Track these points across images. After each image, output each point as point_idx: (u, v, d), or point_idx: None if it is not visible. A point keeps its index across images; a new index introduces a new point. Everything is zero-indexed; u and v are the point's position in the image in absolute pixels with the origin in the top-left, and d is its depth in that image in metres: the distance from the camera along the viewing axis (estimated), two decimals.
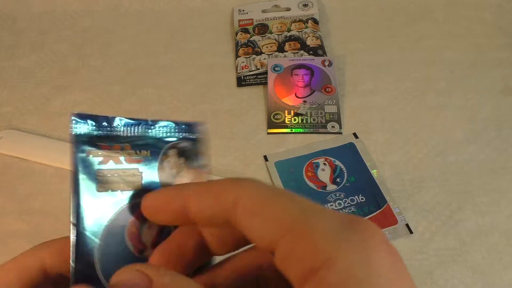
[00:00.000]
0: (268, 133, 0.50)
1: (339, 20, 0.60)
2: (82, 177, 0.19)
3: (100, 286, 0.19)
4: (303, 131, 0.49)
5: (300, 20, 0.59)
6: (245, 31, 0.59)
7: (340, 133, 0.49)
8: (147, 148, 0.20)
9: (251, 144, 0.49)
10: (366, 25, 0.59)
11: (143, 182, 0.20)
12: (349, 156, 0.46)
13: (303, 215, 0.15)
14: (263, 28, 0.59)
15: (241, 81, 0.54)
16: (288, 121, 0.50)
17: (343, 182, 0.43)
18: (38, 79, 0.56)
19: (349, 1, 0.62)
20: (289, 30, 0.58)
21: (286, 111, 0.51)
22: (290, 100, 0.52)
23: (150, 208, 0.19)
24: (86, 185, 0.20)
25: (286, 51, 0.56)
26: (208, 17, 0.62)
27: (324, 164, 0.40)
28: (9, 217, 0.44)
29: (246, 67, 0.55)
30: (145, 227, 0.20)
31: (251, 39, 0.58)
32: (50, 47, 0.59)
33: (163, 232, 0.20)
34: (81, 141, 0.19)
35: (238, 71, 0.55)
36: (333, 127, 0.50)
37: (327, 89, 0.52)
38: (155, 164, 0.20)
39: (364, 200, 0.43)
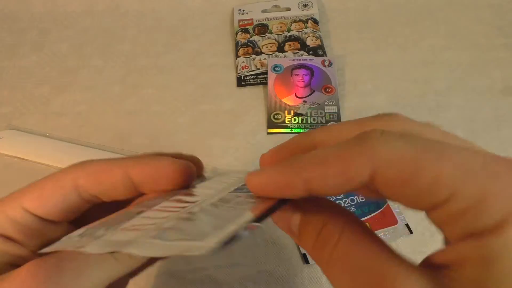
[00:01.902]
0: (268, 133, 0.50)
1: (339, 20, 0.60)
2: None
3: None
4: (303, 131, 0.49)
5: (300, 20, 0.59)
6: (245, 31, 0.59)
7: None
8: None
9: (251, 144, 0.49)
10: (366, 25, 0.59)
11: None
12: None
13: (468, 172, 0.14)
14: (263, 28, 0.59)
15: (241, 81, 0.54)
16: (288, 121, 0.50)
17: None
18: (38, 79, 0.56)
19: (349, 1, 0.62)
20: (289, 30, 0.59)
21: (286, 111, 0.51)
22: (290, 100, 0.52)
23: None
24: None
25: (286, 51, 0.56)
26: (208, 17, 0.62)
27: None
28: None
29: (246, 67, 0.55)
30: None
31: (251, 39, 0.58)
32: (50, 47, 0.59)
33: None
34: None
35: (238, 71, 0.55)
36: None
37: (327, 89, 0.52)
38: None
39: (363, 199, 0.43)
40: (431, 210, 0.15)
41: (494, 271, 0.13)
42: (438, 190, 0.14)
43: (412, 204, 0.15)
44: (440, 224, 0.15)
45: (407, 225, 0.42)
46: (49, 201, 0.21)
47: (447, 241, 0.16)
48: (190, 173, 0.22)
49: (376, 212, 0.42)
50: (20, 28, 0.62)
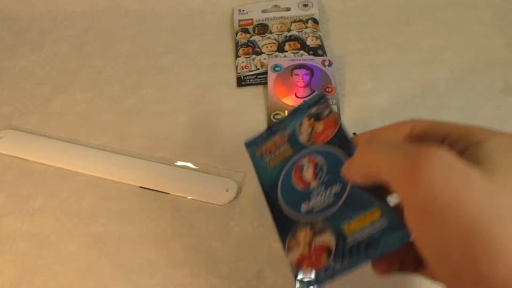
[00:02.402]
0: None
1: (339, 20, 0.60)
2: (257, 166, 0.35)
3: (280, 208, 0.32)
4: None
5: (300, 20, 0.59)
6: (245, 31, 0.59)
7: None
8: (288, 128, 0.35)
9: None
10: (366, 25, 0.59)
11: (291, 149, 0.33)
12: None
13: (458, 125, 0.24)
14: (263, 28, 0.59)
15: (241, 81, 0.54)
16: None
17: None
18: (38, 79, 0.56)
19: (349, 1, 0.62)
20: (289, 30, 0.59)
21: (286, 111, 0.51)
22: (290, 100, 0.52)
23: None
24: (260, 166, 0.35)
25: (286, 51, 0.56)
26: (208, 17, 0.62)
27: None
28: (9, 217, 0.44)
29: (246, 67, 0.55)
30: (304, 171, 0.33)
31: (251, 39, 0.58)
32: (50, 47, 0.59)
33: (318, 168, 0.32)
34: (249, 144, 0.37)
35: (238, 71, 0.55)
36: None
37: (327, 89, 0.52)
38: (295, 134, 0.34)
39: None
40: None
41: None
42: None
43: None
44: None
45: None
46: None
47: None
48: None
49: None
50: (20, 28, 0.62)
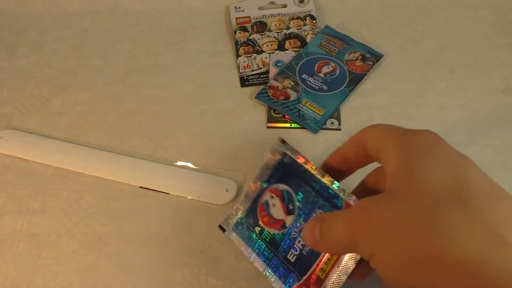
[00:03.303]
0: (268, 127, 0.50)
1: (339, 20, 0.60)
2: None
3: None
4: (301, 127, 0.50)
5: (298, 17, 0.59)
6: (244, 29, 0.59)
7: (339, 129, 0.49)
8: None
9: (252, 144, 0.49)
10: (366, 25, 0.59)
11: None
12: (283, 168, 0.35)
13: (395, 129, 0.28)
14: (261, 26, 0.59)
15: (245, 81, 0.54)
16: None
17: (295, 206, 0.32)
18: (38, 79, 0.56)
19: (349, 1, 0.62)
20: (288, 28, 0.58)
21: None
22: None
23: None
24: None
25: (287, 49, 0.56)
26: (208, 16, 0.62)
27: (271, 197, 0.34)
28: (9, 217, 0.44)
29: (248, 66, 0.55)
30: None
31: (250, 37, 0.58)
32: (50, 47, 0.59)
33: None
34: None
35: (241, 71, 0.55)
36: (332, 123, 0.50)
37: None
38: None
39: (323, 211, 0.32)
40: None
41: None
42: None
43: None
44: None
45: None
46: None
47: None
48: None
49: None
50: (20, 28, 0.62)
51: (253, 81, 0.54)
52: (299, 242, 0.31)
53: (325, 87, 0.51)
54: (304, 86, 0.52)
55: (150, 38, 0.60)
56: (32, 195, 0.46)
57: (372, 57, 0.54)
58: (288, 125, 0.50)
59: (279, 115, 0.50)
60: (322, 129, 0.49)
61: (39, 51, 0.59)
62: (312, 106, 0.50)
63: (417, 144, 0.25)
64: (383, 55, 0.55)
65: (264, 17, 0.60)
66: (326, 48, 0.55)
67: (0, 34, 0.61)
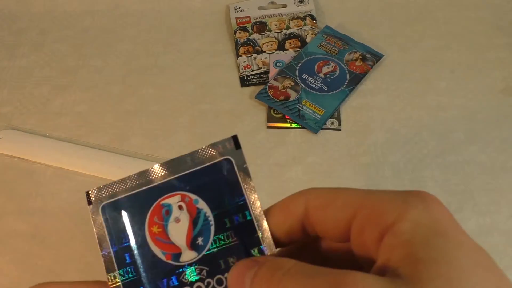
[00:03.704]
0: (268, 127, 0.50)
1: (339, 20, 0.60)
2: None
3: None
4: (300, 126, 0.50)
5: (298, 17, 0.59)
6: (244, 29, 0.59)
7: (339, 129, 0.49)
8: None
9: (252, 143, 0.49)
10: (366, 25, 0.59)
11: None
12: (221, 186, 0.22)
13: (367, 194, 0.19)
14: (261, 26, 0.59)
15: (245, 81, 0.54)
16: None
17: (207, 245, 0.22)
18: (38, 79, 0.56)
19: (349, 1, 0.62)
20: (287, 28, 0.58)
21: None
22: None
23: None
24: None
25: (287, 49, 0.56)
26: (208, 16, 0.62)
27: (180, 208, 0.22)
28: (9, 217, 0.44)
29: (248, 66, 0.55)
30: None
31: (250, 37, 0.58)
32: (50, 47, 0.59)
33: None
34: None
35: (241, 71, 0.55)
36: (332, 123, 0.50)
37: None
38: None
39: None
40: (349, 230, 0.19)
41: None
42: (348, 211, 0.20)
43: (332, 228, 0.20)
44: (360, 242, 0.19)
45: None
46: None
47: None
48: None
49: None
50: (20, 28, 0.62)
51: (253, 81, 0.54)
52: None
53: (325, 87, 0.51)
54: (304, 86, 0.52)
55: (150, 38, 0.60)
56: (32, 195, 0.46)
57: (372, 57, 0.54)
58: (288, 125, 0.50)
59: (279, 115, 0.50)
60: (322, 129, 0.49)
61: (39, 51, 0.59)
62: (312, 106, 0.50)
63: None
64: (383, 55, 0.55)
65: (264, 17, 0.60)
66: (326, 48, 0.55)
67: (0, 34, 0.61)
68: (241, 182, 0.22)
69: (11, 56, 0.59)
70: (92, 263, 0.41)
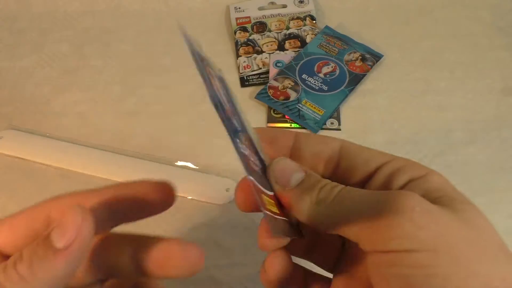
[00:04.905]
0: (268, 127, 0.50)
1: (339, 20, 0.60)
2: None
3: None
4: (300, 127, 0.50)
5: (298, 18, 0.59)
6: (244, 29, 0.59)
7: (339, 129, 0.49)
8: None
9: None
10: (366, 25, 0.59)
11: None
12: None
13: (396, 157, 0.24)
14: (261, 26, 0.59)
15: (245, 81, 0.54)
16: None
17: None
18: (38, 79, 0.56)
19: (349, 1, 0.62)
20: (287, 28, 0.59)
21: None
22: None
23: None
24: None
25: (287, 50, 0.56)
26: (208, 17, 0.62)
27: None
28: None
29: (248, 66, 0.55)
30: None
31: (250, 37, 0.58)
32: (50, 47, 0.59)
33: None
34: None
35: (241, 71, 0.55)
36: (332, 123, 0.50)
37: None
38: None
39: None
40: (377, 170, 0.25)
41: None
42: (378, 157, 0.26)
43: (364, 163, 0.26)
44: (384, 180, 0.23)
45: None
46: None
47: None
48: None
49: None
50: (20, 28, 0.62)
51: (253, 81, 0.54)
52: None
53: (325, 87, 0.52)
54: (304, 86, 0.52)
55: (150, 38, 0.60)
56: (32, 195, 0.46)
57: (372, 57, 0.54)
58: (288, 125, 0.50)
59: (279, 115, 0.51)
60: (322, 129, 0.49)
61: (39, 51, 0.59)
62: (312, 106, 0.50)
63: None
64: (382, 55, 0.55)
65: (264, 17, 0.60)
66: (326, 48, 0.55)
67: (1, 34, 0.61)
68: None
69: (11, 56, 0.59)
70: None
